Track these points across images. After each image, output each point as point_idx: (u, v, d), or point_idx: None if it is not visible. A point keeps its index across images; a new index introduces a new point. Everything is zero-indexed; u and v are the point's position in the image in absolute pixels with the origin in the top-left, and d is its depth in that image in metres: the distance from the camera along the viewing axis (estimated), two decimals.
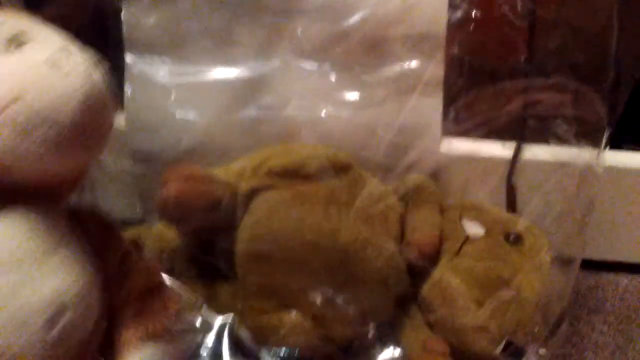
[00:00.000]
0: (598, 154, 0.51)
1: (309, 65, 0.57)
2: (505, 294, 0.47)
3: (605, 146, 0.51)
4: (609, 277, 0.63)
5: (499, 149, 0.57)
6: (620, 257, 0.63)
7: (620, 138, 0.59)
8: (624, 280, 0.63)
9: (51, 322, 0.32)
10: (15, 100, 0.31)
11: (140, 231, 0.56)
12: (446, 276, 0.49)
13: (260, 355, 0.52)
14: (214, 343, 0.51)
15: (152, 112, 0.58)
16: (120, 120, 0.59)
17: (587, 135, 0.51)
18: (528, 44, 0.54)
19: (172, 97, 0.58)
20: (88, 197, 0.63)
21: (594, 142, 0.51)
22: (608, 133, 0.51)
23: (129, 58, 0.58)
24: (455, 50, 0.55)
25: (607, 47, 0.54)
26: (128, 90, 0.58)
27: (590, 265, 0.62)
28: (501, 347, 0.46)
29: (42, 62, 0.32)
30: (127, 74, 0.58)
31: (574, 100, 0.50)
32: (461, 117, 0.54)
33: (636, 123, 0.68)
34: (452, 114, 0.54)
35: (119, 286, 0.38)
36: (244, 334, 0.51)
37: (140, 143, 0.59)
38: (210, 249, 0.54)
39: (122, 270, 0.39)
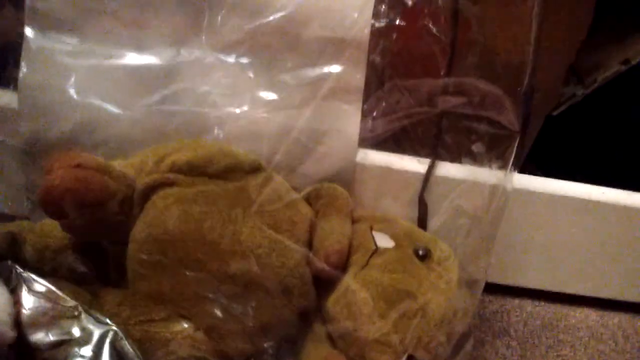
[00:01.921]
0: (508, 165, 0.51)
1: (227, 60, 0.54)
2: (409, 306, 0.45)
3: (515, 161, 0.51)
4: (513, 302, 0.63)
5: (414, 164, 0.56)
6: (525, 283, 0.63)
7: (529, 167, 0.60)
8: (528, 305, 0.63)
9: None
10: None
11: (22, 225, 0.51)
12: (352, 288, 0.47)
13: None
14: (92, 356, 0.45)
15: (49, 93, 0.53)
16: (12, 99, 0.53)
17: (499, 142, 0.51)
18: (448, 62, 0.54)
19: (73, 79, 0.53)
20: None
21: (505, 151, 0.51)
22: (516, 152, 0.51)
23: (28, 31, 0.52)
24: (377, 59, 0.54)
25: (521, 79, 0.55)
26: (24, 67, 0.53)
27: (495, 290, 0.62)
28: None
29: None
30: (24, 48, 0.52)
31: (489, 101, 0.50)
32: (378, 118, 0.52)
33: (546, 153, 0.70)
34: (370, 116, 0.52)
35: None
36: (128, 347, 0.46)
37: (33, 127, 0.53)
38: (99, 250, 0.49)
39: None
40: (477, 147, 0.53)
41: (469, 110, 0.51)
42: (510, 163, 0.51)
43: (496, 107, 0.50)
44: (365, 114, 0.54)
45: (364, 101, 0.54)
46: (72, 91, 0.53)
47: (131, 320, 0.46)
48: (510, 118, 0.50)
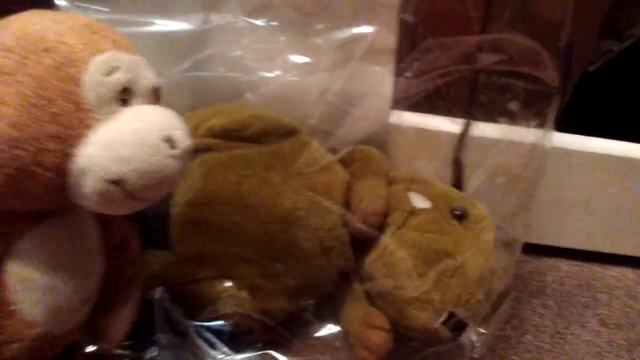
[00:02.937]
0: (546, 122, 0.50)
1: (258, 23, 0.53)
2: (449, 264, 0.45)
3: (555, 119, 0.50)
4: (549, 262, 0.63)
5: (448, 124, 0.56)
6: (561, 243, 0.63)
7: (565, 124, 0.59)
8: (564, 265, 0.63)
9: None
10: None
11: None
12: (390, 247, 0.47)
13: (190, 330, 0.48)
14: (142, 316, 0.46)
15: None
16: None
17: (537, 100, 0.50)
18: (482, 17, 0.53)
19: None
20: None
21: (543, 108, 0.50)
22: (556, 110, 0.50)
23: (60, 1, 0.52)
24: (409, 18, 0.53)
25: (559, 34, 0.53)
26: None
27: (532, 250, 0.62)
28: (443, 318, 0.45)
29: None
30: None
31: (527, 57, 0.49)
32: (412, 78, 0.51)
33: (581, 111, 0.68)
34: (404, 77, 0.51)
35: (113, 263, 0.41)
36: (175, 307, 0.47)
37: None
38: (142, 214, 0.50)
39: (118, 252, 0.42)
40: (513, 106, 0.52)
41: (507, 66, 0.50)
42: (550, 120, 0.50)
43: (535, 63, 0.49)
44: (399, 75, 0.53)
45: (397, 62, 0.53)
46: None
47: (176, 281, 0.47)
48: (549, 73, 0.49)
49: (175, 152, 0.33)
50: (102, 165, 0.31)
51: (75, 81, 0.31)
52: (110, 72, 0.32)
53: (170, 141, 0.32)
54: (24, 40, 0.31)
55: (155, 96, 0.36)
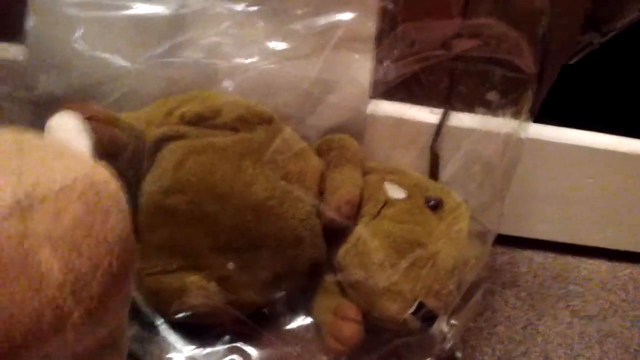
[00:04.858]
0: (523, 112, 0.50)
1: (235, 8, 0.52)
2: (420, 254, 0.45)
3: (531, 108, 0.50)
4: (524, 253, 0.63)
5: (426, 114, 0.55)
6: (536, 234, 0.63)
7: (545, 117, 0.59)
8: (538, 257, 0.63)
9: None
10: None
11: None
12: (363, 238, 0.47)
13: (157, 322, 0.48)
14: None
15: (57, 46, 0.52)
16: (20, 53, 0.53)
17: (514, 88, 0.50)
18: (463, 6, 0.53)
19: (81, 32, 0.52)
20: None
21: (520, 96, 0.50)
22: (532, 98, 0.50)
23: None
24: (390, 5, 0.52)
25: (537, 23, 0.53)
26: (31, 20, 0.52)
27: (506, 241, 0.62)
28: (412, 309, 0.45)
29: None
30: (31, 1, 0.51)
31: (505, 43, 0.49)
32: (391, 63, 0.51)
33: (561, 103, 0.68)
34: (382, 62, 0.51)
35: None
36: (140, 298, 0.47)
37: (41, 80, 0.53)
38: None
39: None
40: (491, 96, 0.52)
41: (485, 52, 0.50)
42: (526, 110, 0.50)
43: (513, 50, 0.49)
44: (377, 60, 0.53)
45: (376, 50, 0.53)
46: (80, 44, 0.52)
47: (144, 272, 0.46)
48: (527, 61, 0.49)
49: None
50: None
51: None
52: None
53: None
54: None
55: None
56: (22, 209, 0.26)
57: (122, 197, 0.30)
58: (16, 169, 0.27)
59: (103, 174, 0.30)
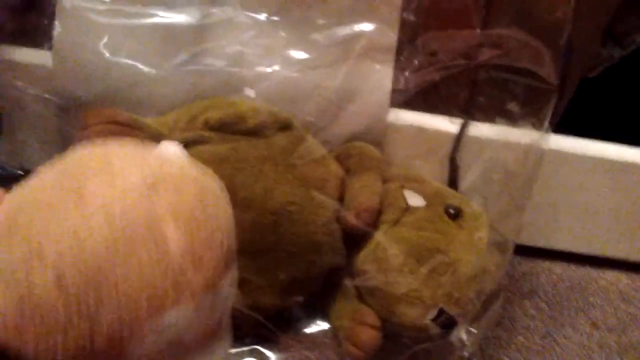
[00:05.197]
0: (544, 123, 0.50)
1: (258, 18, 0.53)
2: (441, 261, 0.46)
3: (551, 119, 0.50)
4: (543, 264, 0.63)
5: (447, 124, 0.56)
6: (555, 245, 0.63)
7: (565, 130, 0.59)
8: (557, 267, 0.63)
9: None
10: None
11: None
12: (383, 244, 0.47)
13: None
14: None
15: (83, 53, 0.53)
16: (47, 58, 0.54)
17: (535, 98, 0.50)
18: (484, 17, 0.53)
19: (106, 39, 0.53)
20: (6, 144, 0.59)
21: (542, 107, 0.50)
22: (552, 109, 0.50)
23: None
24: (411, 17, 0.53)
25: (559, 34, 0.53)
26: (58, 26, 0.53)
27: (526, 252, 0.62)
28: (433, 315, 0.45)
29: None
30: (58, 8, 0.53)
31: (527, 53, 0.49)
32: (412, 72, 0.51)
33: (580, 117, 0.68)
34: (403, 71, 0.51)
35: None
36: None
37: (67, 86, 0.54)
38: None
39: None
40: (512, 107, 0.52)
41: (507, 61, 0.50)
42: (547, 120, 0.50)
43: (534, 59, 0.49)
44: (397, 70, 0.53)
45: (397, 60, 0.53)
46: (105, 51, 0.53)
47: None
48: (549, 71, 0.49)
49: None
50: None
51: None
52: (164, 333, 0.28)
53: None
54: None
55: None
56: (149, 186, 0.29)
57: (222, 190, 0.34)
58: (139, 161, 0.31)
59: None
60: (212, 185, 0.33)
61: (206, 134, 0.49)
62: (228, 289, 0.32)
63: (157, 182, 0.29)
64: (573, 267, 0.63)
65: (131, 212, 0.27)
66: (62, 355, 0.26)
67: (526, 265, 0.62)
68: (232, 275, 0.32)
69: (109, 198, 0.28)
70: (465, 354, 0.48)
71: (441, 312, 0.45)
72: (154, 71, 0.53)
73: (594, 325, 0.58)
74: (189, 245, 0.28)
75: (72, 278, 0.26)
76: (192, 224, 0.28)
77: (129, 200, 0.28)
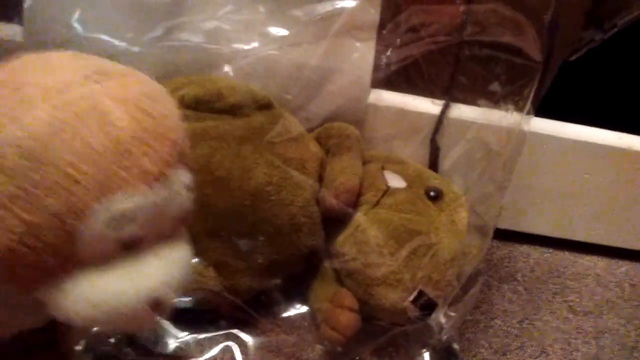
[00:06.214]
0: (526, 104, 0.50)
1: None
2: (421, 243, 0.45)
3: (533, 100, 0.50)
4: (521, 248, 0.63)
5: (428, 105, 0.55)
6: (533, 229, 0.63)
7: (544, 113, 0.59)
8: (535, 252, 0.63)
9: None
10: None
11: None
12: (363, 226, 0.46)
13: None
14: None
15: (54, 27, 0.51)
16: (17, 32, 0.52)
17: (519, 76, 0.49)
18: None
19: (78, 13, 0.51)
20: None
21: (525, 86, 0.49)
22: (536, 88, 0.49)
23: None
24: None
25: (544, 10, 0.52)
26: (28, 0, 0.51)
27: (503, 235, 0.62)
28: (413, 297, 0.44)
29: None
30: None
31: (512, 29, 0.48)
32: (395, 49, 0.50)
33: (559, 98, 0.68)
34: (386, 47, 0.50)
35: None
36: None
37: None
38: None
39: None
40: (494, 87, 0.52)
41: (490, 37, 0.49)
42: (529, 101, 0.49)
43: (519, 35, 0.48)
44: (379, 48, 0.52)
45: (378, 37, 0.52)
46: (77, 25, 0.51)
47: None
48: (532, 47, 0.48)
49: (155, 317, 0.30)
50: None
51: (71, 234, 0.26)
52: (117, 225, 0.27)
53: (155, 304, 0.29)
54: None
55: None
56: (92, 78, 0.28)
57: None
58: (82, 58, 0.30)
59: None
60: (159, 86, 0.32)
61: (182, 112, 0.47)
62: (182, 189, 0.31)
63: (100, 75, 0.28)
64: (550, 251, 0.63)
65: (74, 98, 0.27)
66: (6, 243, 0.26)
67: (504, 249, 0.62)
68: (186, 176, 0.31)
69: (50, 86, 0.27)
70: (444, 337, 0.48)
71: (420, 294, 0.45)
72: (127, 46, 0.52)
73: (571, 309, 0.58)
74: (136, 130, 0.27)
75: (13, 160, 0.25)
76: (138, 113, 0.27)
77: (72, 88, 0.27)
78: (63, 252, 0.27)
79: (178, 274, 0.31)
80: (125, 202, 0.27)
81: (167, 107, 0.30)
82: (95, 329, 0.29)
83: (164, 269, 0.30)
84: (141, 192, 0.27)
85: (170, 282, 0.30)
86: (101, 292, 0.28)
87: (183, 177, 0.31)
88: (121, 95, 0.28)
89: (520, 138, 0.51)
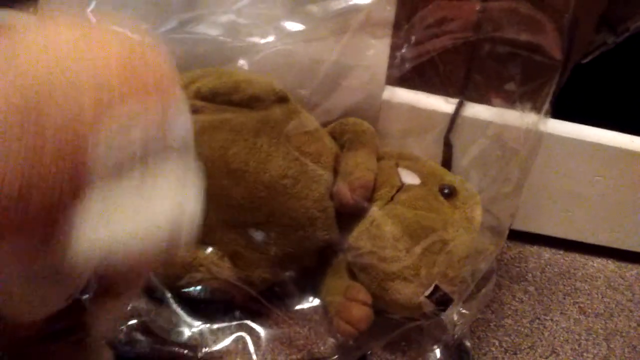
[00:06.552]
0: (543, 104, 0.49)
1: None
2: (436, 240, 0.45)
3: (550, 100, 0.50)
4: (532, 249, 0.63)
5: (442, 103, 0.55)
6: (544, 230, 0.63)
7: (556, 115, 0.59)
8: (546, 253, 0.63)
9: None
10: None
11: None
12: (377, 221, 0.46)
13: (167, 296, 0.47)
14: None
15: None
16: None
17: (537, 75, 0.49)
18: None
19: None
20: None
21: (543, 85, 0.49)
22: (555, 87, 0.49)
23: None
24: None
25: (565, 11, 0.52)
26: None
27: (516, 236, 0.62)
28: (429, 292, 0.44)
29: None
30: None
31: (532, 27, 0.48)
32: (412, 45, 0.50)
33: (571, 101, 0.68)
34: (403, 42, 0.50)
35: None
36: (152, 272, 0.46)
37: None
38: None
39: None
40: (510, 86, 0.51)
41: (509, 34, 0.49)
42: (548, 99, 0.49)
43: (538, 33, 0.48)
44: (396, 44, 0.52)
45: (394, 35, 0.52)
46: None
47: None
48: (553, 45, 0.48)
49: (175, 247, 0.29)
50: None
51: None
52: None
53: (170, 235, 0.28)
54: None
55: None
56: (87, 37, 0.29)
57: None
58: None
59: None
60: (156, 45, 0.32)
61: (198, 103, 0.47)
62: (183, 137, 0.31)
63: (92, 34, 0.29)
64: (562, 252, 0.63)
65: (68, 52, 0.27)
66: (9, 180, 0.25)
67: (515, 249, 0.62)
68: (188, 122, 0.32)
69: (43, 42, 0.27)
70: (456, 334, 0.48)
71: (436, 289, 0.44)
72: (143, 39, 0.52)
73: (582, 310, 0.58)
74: (127, 70, 0.28)
75: (15, 98, 0.25)
76: (132, 59, 0.28)
77: (64, 43, 0.27)
78: (75, 170, 0.26)
79: (192, 195, 0.30)
80: (124, 119, 0.27)
81: (163, 60, 0.31)
82: (110, 270, 0.28)
83: (178, 190, 0.29)
84: (139, 111, 0.27)
85: (185, 204, 0.29)
86: (117, 216, 0.27)
87: (183, 126, 0.32)
88: (117, 50, 0.29)
89: (537, 138, 0.51)
